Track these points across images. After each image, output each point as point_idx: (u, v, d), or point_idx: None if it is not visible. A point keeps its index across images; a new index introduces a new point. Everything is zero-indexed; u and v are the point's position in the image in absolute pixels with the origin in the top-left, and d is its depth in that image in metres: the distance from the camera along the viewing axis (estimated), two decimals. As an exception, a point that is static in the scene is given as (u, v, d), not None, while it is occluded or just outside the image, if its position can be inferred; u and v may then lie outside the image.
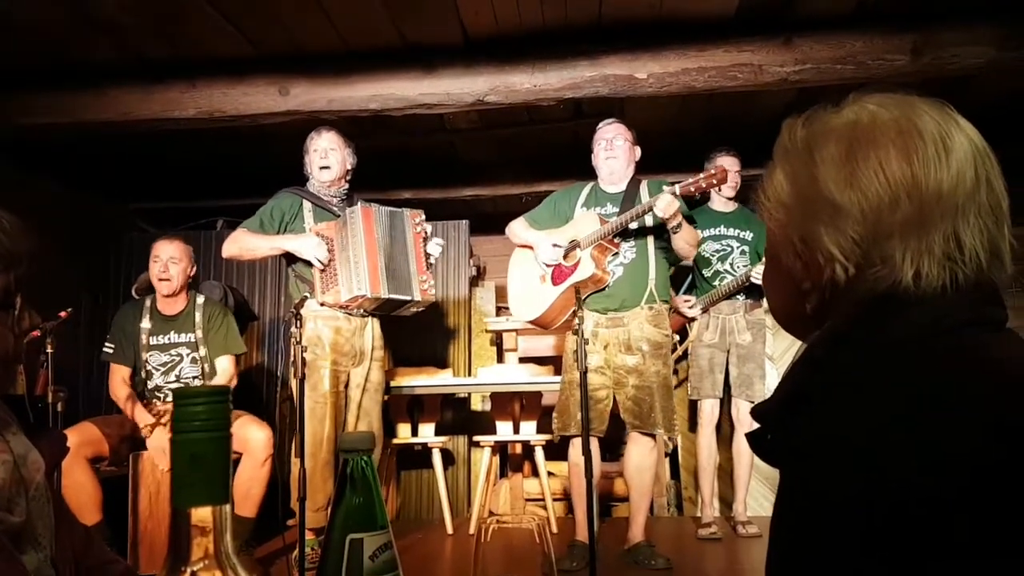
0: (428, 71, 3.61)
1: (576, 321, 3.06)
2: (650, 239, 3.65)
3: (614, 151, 3.68)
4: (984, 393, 0.71)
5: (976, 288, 0.79)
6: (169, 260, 3.78)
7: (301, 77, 3.65)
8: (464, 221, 5.59)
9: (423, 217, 3.88)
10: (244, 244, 3.66)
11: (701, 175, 3.37)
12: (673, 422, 3.59)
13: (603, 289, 3.58)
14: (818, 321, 0.88)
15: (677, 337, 4.55)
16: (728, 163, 4.27)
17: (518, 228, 3.87)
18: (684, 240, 3.54)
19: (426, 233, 3.87)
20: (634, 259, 3.63)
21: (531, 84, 3.56)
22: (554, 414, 3.75)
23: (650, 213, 3.47)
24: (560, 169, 4.23)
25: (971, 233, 0.79)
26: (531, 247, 3.80)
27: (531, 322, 3.86)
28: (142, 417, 3.65)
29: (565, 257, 3.66)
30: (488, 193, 5.52)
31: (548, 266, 3.72)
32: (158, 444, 3.56)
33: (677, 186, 3.38)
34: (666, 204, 3.34)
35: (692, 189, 3.36)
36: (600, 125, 3.77)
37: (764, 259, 3.82)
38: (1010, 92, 4.09)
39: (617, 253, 3.62)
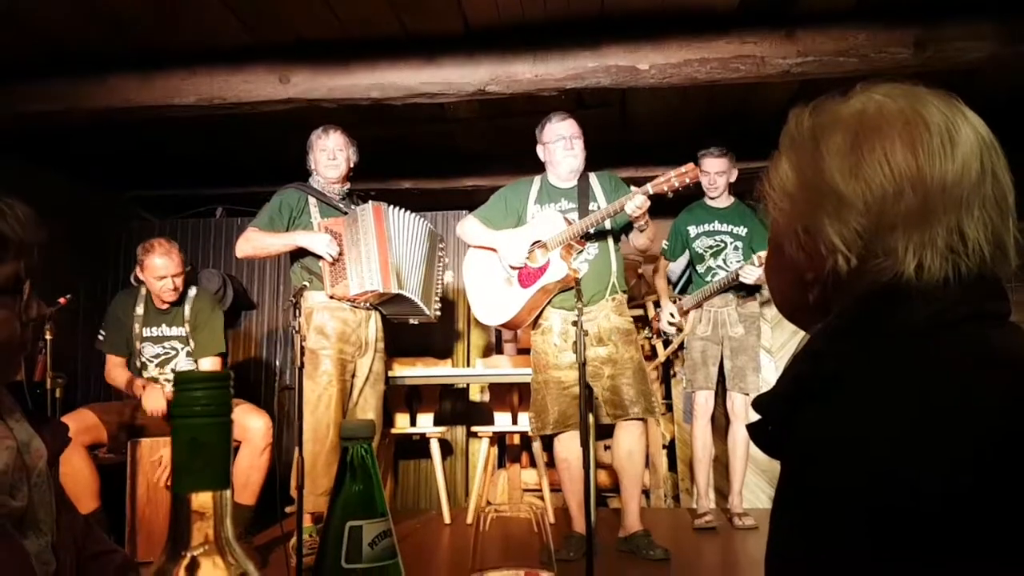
0: (429, 60, 3.60)
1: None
2: (609, 234, 3.68)
3: (574, 149, 3.67)
4: (984, 388, 0.70)
5: (979, 281, 0.79)
6: (173, 277, 3.80)
7: (302, 65, 3.64)
8: (464, 211, 5.58)
9: (444, 245, 4.17)
10: (257, 243, 3.71)
11: (673, 173, 3.32)
12: (652, 404, 3.63)
13: (572, 287, 3.57)
14: (821, 312, 0.88)
15: (673, 330, 4.55)
16: (714, 165, 4.25)
17: (473, 228, 3.82)
18: (647, 237, 3.59)
19: (445, 260, 4.09)
20: (597, 254, 3.66)
21: (532, 74, 3.55)
22: (529, 415, 3.76)
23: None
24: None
25: (975, 226, 0.79)
26: (493, 249, 3.76)
27: (500, 326, 3.85)
28: (137, 382, 3.69)
29: (529, 258, 3.65)
30: (488, 184, 5.49)
31: (513, 268, 3.70)
32: (149, 396, 3.61)
33: (650, 185, 3.35)
34: (639, 204, 3.34)
35: (665, 188, 3.33)
36: (553, 120, 3.72)
37: (754, 257, 3.81)
38: (1015, 87, 4.08)
39: (583, 251, 3.63)
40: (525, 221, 3.74)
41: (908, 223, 0.79)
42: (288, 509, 3.52)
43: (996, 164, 0.81)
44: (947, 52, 3.35)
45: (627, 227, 3.64)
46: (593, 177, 3.75)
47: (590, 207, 3.61)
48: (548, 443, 4.43)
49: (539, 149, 3.78)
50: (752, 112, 4.48)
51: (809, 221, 0.85)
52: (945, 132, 0.80)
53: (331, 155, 3.78)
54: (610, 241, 3.69)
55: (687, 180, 3.31)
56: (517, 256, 3.65)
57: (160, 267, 3.76)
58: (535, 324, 3.75)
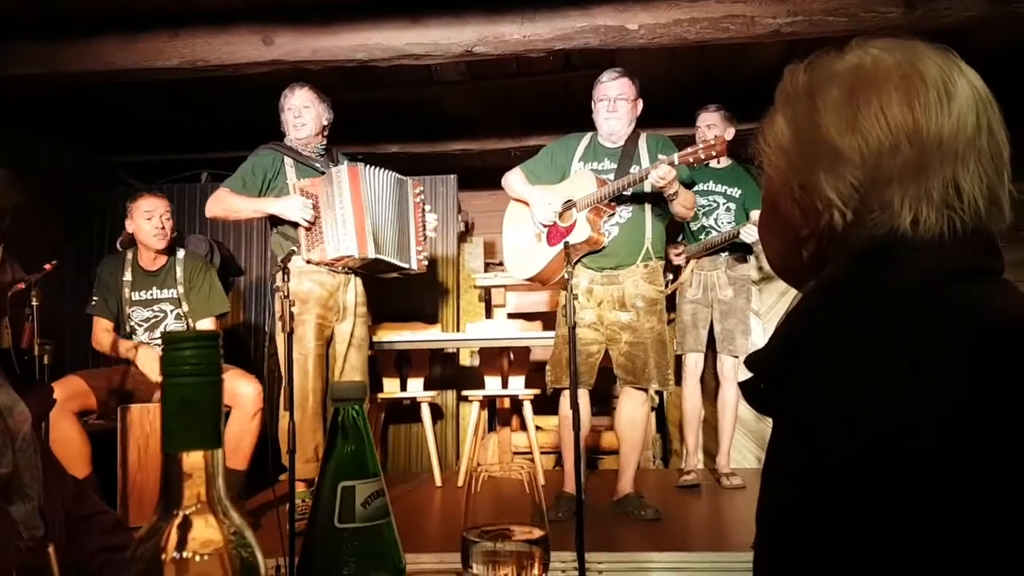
0: (415, 20, 3.54)
1: (566, 277, 3.03)
2: (646, 199, 3.63)
3: (617, 112, 3.61)
4: (977, 346, 0.70)
5: (974, 237, 0.79)
6: (163, 216, 3.78)
7: (285, 26, 3.58)
8: (452, 176, 5.55)
9: (422, 188, 3.96)
10: (228, 205, 3.64)
11: (700, 145, 3.30)
12: (668, 376, 3.62)
13: (600, 250, 3.57)
14: (815, 269, 0.87)
15: (670, 276, 4.54)
16: (708, 119, 4.25)
17: (514, 181, 3.81)
18: (681, 205, 3.53)
19: (424, 205, 3.92)
20: (631, 218, 3.62)
21: (520, 35, 3.50)
22: (547, 367, 3.78)
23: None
24: (550, 122, 4.17)
25: (970, 180, 0.78)
26: (527, 203, 3.77)
27: (527, 279, 3.86)
28: (125, 345, 3.66)
29: (560, 217, 3.64)
30: (477, 147, 5.46)
31: (544, 225, 3.70)
32: (146, 359, 3.59)
33: (676, 155, 3.32)
34: (663, 174, 3.31)
35: (691, 160, 3.29)
36: (604, 79, 3.64)
37: (751, 216, 3.81)
38: (1004, 47, 4.06)
39: (613, 214, 3.60)
40: (569, 177, 3.71)
41: (904, 176, 0.79)
42: (281, 477, 3.54)
43: (992, 119, 0.81)
44: (937, 11, 3.33)
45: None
46: (643, 138, 3.69)
47: (631, 170, 3.56)
48: (539, 406, 4.46)
49: (592, 105, 3.71)
50: (742, 73, 4.45)
51: (805, 177, 0.85)
52: (941, 86, 0.79)
53: (296, 112, 3.69)
54: (647, 206, 3.63)
55: (713, 152, 3.28)
56: (546, 213, 3.65)
57: (149, 203, 3.76)
58: (564, 281, 3.75)
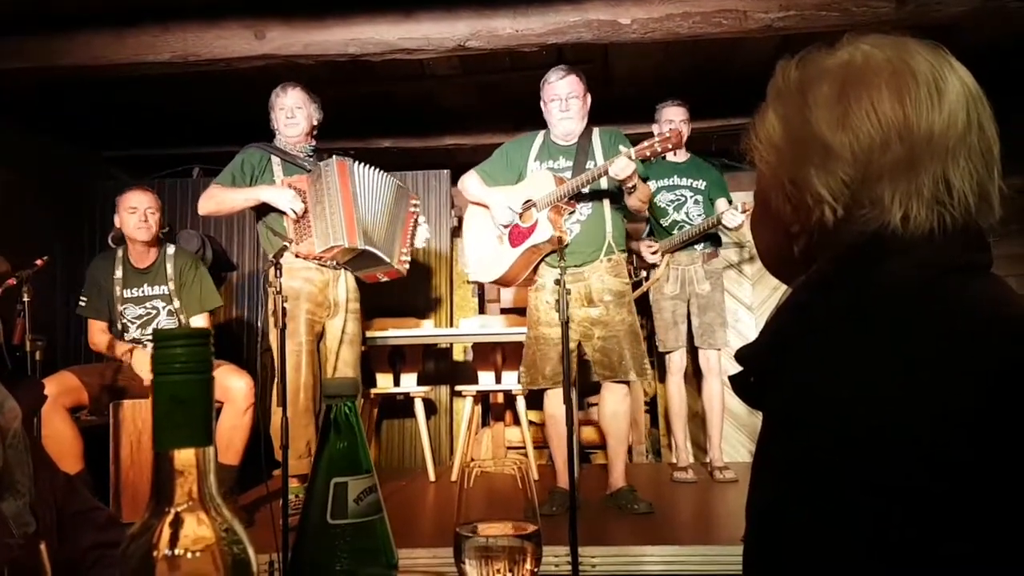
0: (407, 15, 3.53)
1: (557, 273, 3.03)
2: (605, 194, 3.64)
3: (570, 111, 3.60)
4: (966, 343, 0.70)
5: (964, 233, 0.79)
6: (147, 210, 3.77)
7: (277, 20, 3.56)
8: (445, 171, 5.53)
9: (419, 202, 4.00)
10: (220, 199, 3.64)
11: (656, 139, 3.30)
12: (644, 366, 3.62)
13: (564, 248, 3.57)
14: (806, 264, 0.87)
15: (644, 273, 4.55)
16: (674, 114, 4.26)
17: (471, 184, 3.79)
18: (638, 199, 3.54)
19: (418, 218, 3.95)
20: (590, 215, 3.62)
21: (513, 29, 3.50)
22: (521, 368, 3.78)
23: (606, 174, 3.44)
24: (542, 117, 4.14)
25: (960, 176, 0.79)
26: (486, 206, 3.75)
27: (492, 282, 3.86)
28: (121, 347, 3.66)
29: (521, 217, 3.64)
30: (470, 142, 5.45)
31: (504, 227, 3.68)
32: (141, 361, 3.59)
33: (633, 150, 3.33)
34: (622, 167, 3.31)
35: (648, 153, 3.30)
36: (552, 79, 3.62)
37: (717, 205, 3.82)
38: (993, 42, 4.07)
39: (573, 212, 3.60)
40: (525, 177, 3.70)
41: (895, 173, 0.79)
42: (275, 472, 3.53)
43: (982, 115, 0.81)
44: (928, 6, 3.33)
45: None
46: (596, 134, 3.69)
47: (587, 166, 3.56)
48: (532, 401, 4.46)
49: (542, 106, 3.71)
50: (734, 68, 4.45)
51: (796, 172, 0.85)
52: (932, 82, 0.79)
53: (289, 112, 3.70)
54: (606, 201, 3.64)
55: (669, 145, 3.29)
56: (506, 215, 3.63)
57: (132, 198, 3.76)
58: (531, 281, 3.75)
